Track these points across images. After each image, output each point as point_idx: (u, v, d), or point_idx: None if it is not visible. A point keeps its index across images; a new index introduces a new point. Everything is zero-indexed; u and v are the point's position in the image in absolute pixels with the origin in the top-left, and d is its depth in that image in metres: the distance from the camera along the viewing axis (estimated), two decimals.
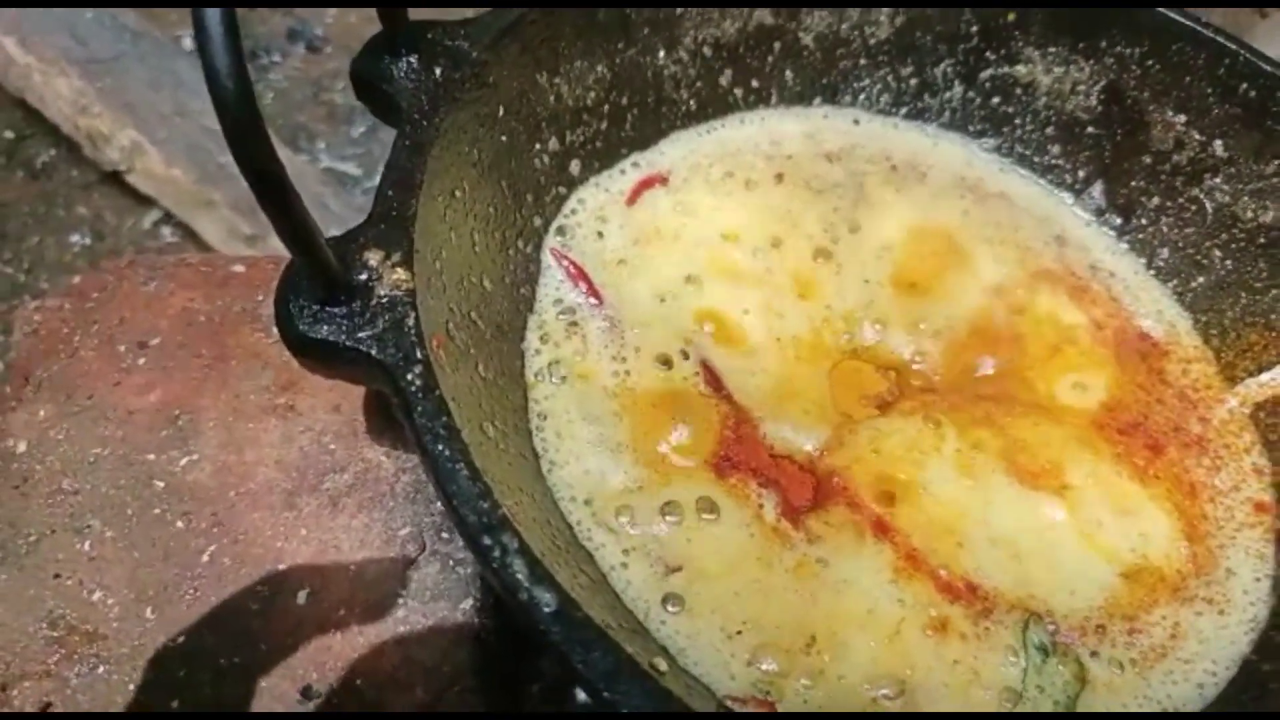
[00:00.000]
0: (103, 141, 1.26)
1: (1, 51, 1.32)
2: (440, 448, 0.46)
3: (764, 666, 0.59)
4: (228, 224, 1.24)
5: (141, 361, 0.67)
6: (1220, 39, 0.78)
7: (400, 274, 0.51)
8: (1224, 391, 0.79)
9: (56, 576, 0.58)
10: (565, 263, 0.74)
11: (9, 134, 1.40)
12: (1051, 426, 0.73)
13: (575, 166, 0.76)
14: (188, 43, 1.55)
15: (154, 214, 1.33)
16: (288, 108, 1.49)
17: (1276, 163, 0.77)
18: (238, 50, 0.40)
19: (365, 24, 1.59)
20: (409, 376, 0.48)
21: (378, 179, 1.42)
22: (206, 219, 1.27)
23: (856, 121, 0.88)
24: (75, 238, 1.32)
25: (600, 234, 0.76)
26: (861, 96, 0.88)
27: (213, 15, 0.39)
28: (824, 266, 0.79)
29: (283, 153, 1.33)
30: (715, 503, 0.65)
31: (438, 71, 0.61)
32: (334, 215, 1.24)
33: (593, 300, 0.73)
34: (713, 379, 0.71)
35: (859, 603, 0.63)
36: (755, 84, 0.85)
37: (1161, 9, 0.79)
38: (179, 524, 0.60)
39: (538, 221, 0.73)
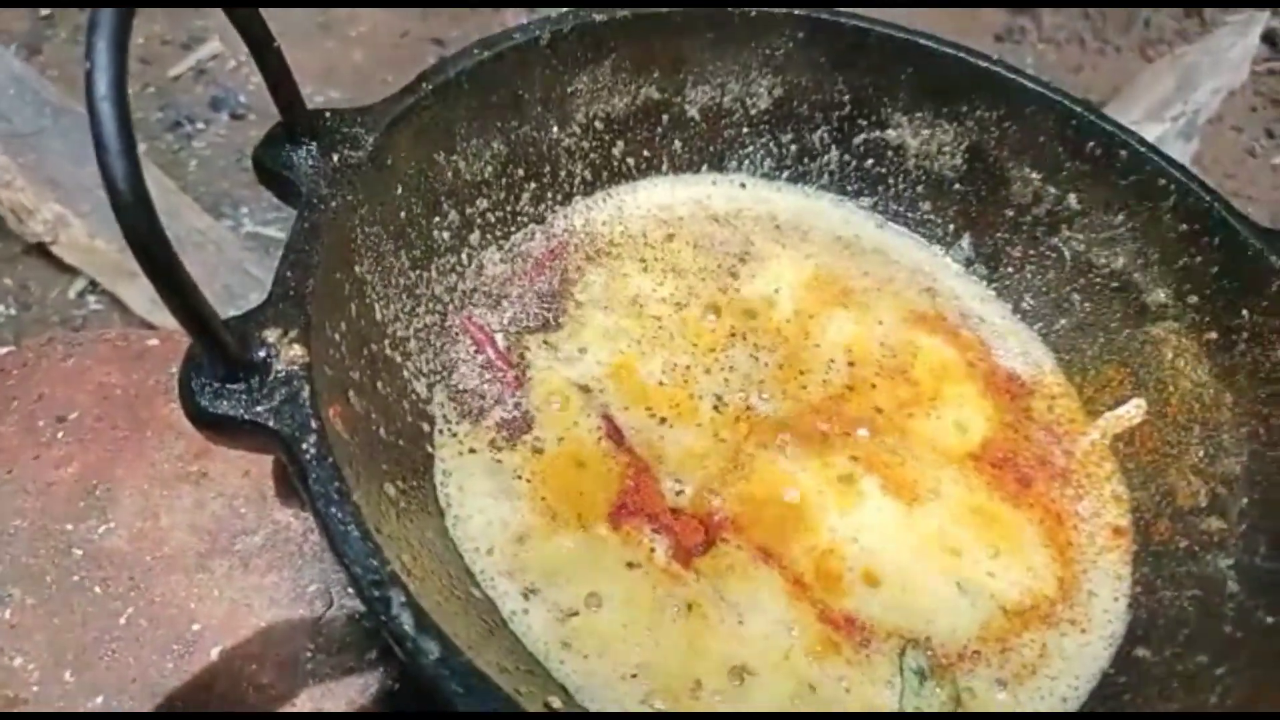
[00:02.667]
0: (26, 215, 1.29)
1: None
2: (333, 510, 0.50)
3: (657, 704, 0.64)
4: (151, 292, 1.26)
5: (60, 435, 0.71)
6: (1066, 101, 0.85)
7: (296, 350, 0.55)
8: (1086, 425, 0.85)
9: None
10: (471, 327, 0.78)
11: None
12: (929, 463, 0.79)
13: (475, 237, 0.81)
14: None
15: (80, 283, 1.35)
16: (211, 175, 1.52)
17: (1123, 214, 0.84)
18: (133, 157, 0.44)
19: None
20: (304, 445, 0.52)
21: None
22: (131, 288, 1.30)
23: (743, 185, 0.94)
24: (1, 308, 1.34)
25: (503, 299, 0.81)
26: (746, 162, 0.95)
27: (109, 120, 0.44)
28: (716, 328, 0.84)
29: (205, 219, 1.37)
30: (610, 549, 0.69)
31: (335, 157, 0.66)
32: (256, 281, 1.27)
33: (499, 362, 0.77)
34: (614, 432, 0.75)
35: (752, 631, 0.67)
36: (646, 154, 0.91)
37: (1014, 75, 0.86)
38: (97, 589, 0.64)
39: (440, 290, 0.77)
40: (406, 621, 0.48)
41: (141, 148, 1.56)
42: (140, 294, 1.30)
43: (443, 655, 0.48)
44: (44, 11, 1.76)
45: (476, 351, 0.77)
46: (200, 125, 1.60)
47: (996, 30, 2.18)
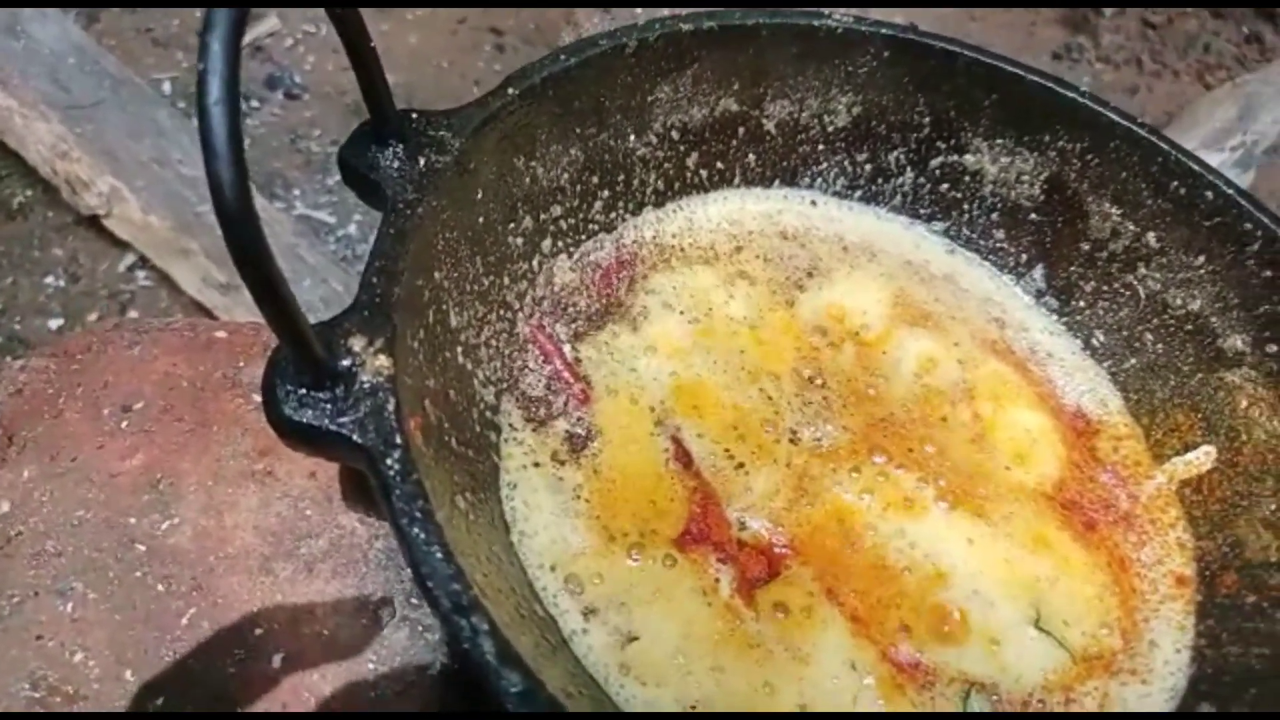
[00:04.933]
0: (81, 187, 1.28)
1: None
2: (416, 530, 0.49)
3: None
4: (202, 271, 1.27)
5: (125, 425, 0.70)
6: (1153, 138, 0.83)
7: (382, 360, 0.54)
8: (1152, 469, 0.83)
9: (39, 638, 0.60)
10: (540, 337, 0.77)
11: None
12: (999, 498, 0.77)
13: (547, 244, 0.80)
14: (167, 87, 1.59)
15: (129, 258, 1.35)
16: (264, 154, 1.52)
17: (1203, 256, 0.82)
18: (242, 165, 0.43)
19: (342, 73, 1.63)
20: (388, 461, 0.51)
21: (351, 227, 1.46)
22: (182, 266, 1.29)
23: (814, 203, 0.93)
24: (50, 279, 1.34)
25: (573, 309, 0.80)
26: (819, 180, 0.93)
27: (220, 126, 0.42)
28: (791, 350, 0.83)
29: (258, 200, 1.36)
30: (673, 576, 0.68)
31: (422, 161, 0.65)
32: (307, 266, 1.26)
33: (565, 374, 0.76)
34: (682, 454, 0.74)
35: (818, 672, 0.66)
36: (720, 166, 0.90)
37: (1101, 108, 0.84)
38: (159, 587, 0.63)
39: (511, 297, 0.76)
40: (489, 650, 0.47)
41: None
42: (190, 272, 1.30)
43: (526, 688, 0.47)
44: None
45: (544, 362, 0.76)
46: (255, 104, 1.60)
47: (1054, 48, 2.16)
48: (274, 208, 1.37)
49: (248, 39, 1.66)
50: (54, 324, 1.30)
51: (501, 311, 0.75)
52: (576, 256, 0.82)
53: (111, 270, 1.35)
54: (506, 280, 0.75)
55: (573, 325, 0.79)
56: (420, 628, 0.64)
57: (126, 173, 1.27)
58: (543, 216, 0.79)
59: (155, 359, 0.73)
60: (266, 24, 1.70)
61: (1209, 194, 0.81)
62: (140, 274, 1.35)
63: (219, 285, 1.25)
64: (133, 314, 1.28)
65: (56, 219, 1.38)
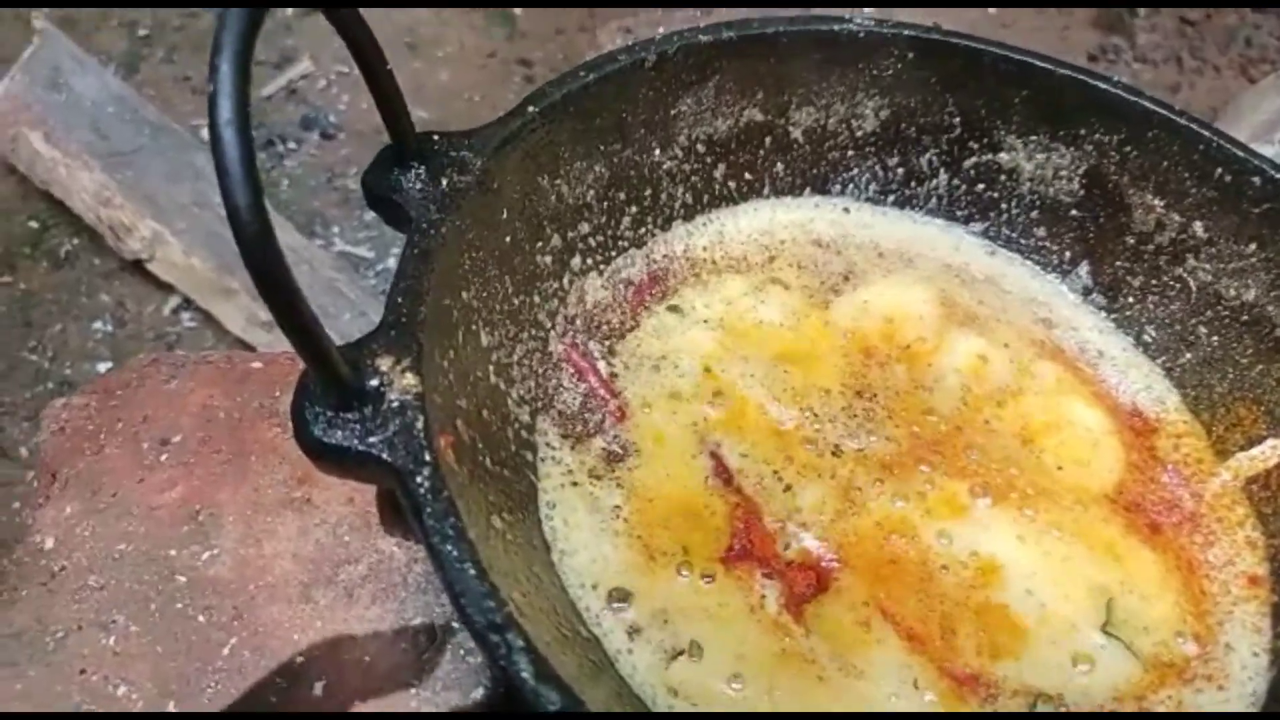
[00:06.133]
0: (124, 232, 1.31)
1: (28, 145, 1.38)
2: (448, 548, 0.49)
3: None
4: (246, 311, 1.28)
5: (164, 458, 0.70)
6: (1193, 125, 0.81)
7: (410, 379, 0.54)
8: (1216, 466, 0.80)
9: (82, 672, 0.60)
10: (574, 355, 0.76)
11: (34, 224, 1.46)
12: (1060, 503, 0.75)
13: (577, 262, 0.79)
14: (205, 134, 1.62)
15: (174, 300, 1.38)
16: (302, 194, 1.54)
17: (1255, 243, 0.79)
18: (256, 183, 0.43)
19: (376, 112, 1.65)
20: (418, 479, 0.51)
21: (391, 261, 1.47)
22: (226, 306, 1.31)
23: (846, 210, 0.92)
24: (98, 325, 1.36)
25: (606, 326, 0.79)
26: (850, 186, 0.92)
27: (232, 146, 0.43)
28: (833, 361, 0.81)
29: (297, 239, 1.39)
30: (718, 595, 0.67)
31: (444, 182, 0.65)
32: (347, 300, 1.27)
33: (601, 391, 0.75)
34: (723, 470, 0.73)
35: (874, 691, 0.64)
36: (748, 177, 0.89)
37: (1135, 97, 0.82)
38: (200, 618, 0.63)
39: (542, 316, 0.76)
40: (525, 668, 0.46)
41: None
42: (235, 312, 1.32)
43: (564, 707, 0.46)
44: (141, 31, 1.80)
45: (579, 380, 0.75)
46: (292, 145, 1.62)
47: (1090, 50, 2.12)
48: (314, 245, 1.39)
49: (281, 82, 1.70)
50: (102, 368, 1.32)
51: (533, 330, 0.74)
52: (608, 273, 0.82)
53: (157, 313, 1.38)
54: (537, 299, 0.75)
55: (606, 342, 0.78)
56: (462, 652, 0.63)
57: (167, 216, 1.30)
58: (570, 234, 0.78)
59: (192, 391, 0.73)
60: (299, 66, 1.73)
61: (1256, 179, 0.78)
62: (185, 315, 1.37)
63: (262, 324, 1.27)
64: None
65: (102, 265, 1.41)
